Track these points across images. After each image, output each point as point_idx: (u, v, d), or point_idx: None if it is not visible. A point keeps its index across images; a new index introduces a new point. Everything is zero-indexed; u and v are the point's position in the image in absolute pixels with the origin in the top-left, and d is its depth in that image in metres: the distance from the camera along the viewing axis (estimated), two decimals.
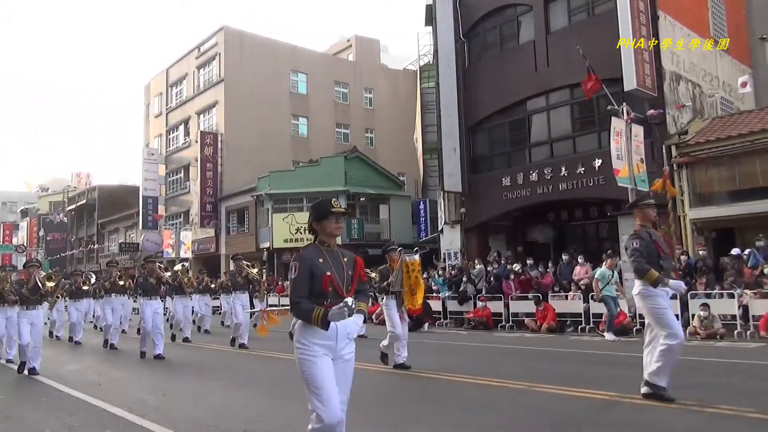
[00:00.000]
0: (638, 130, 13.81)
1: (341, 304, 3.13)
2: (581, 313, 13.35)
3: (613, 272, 12.08)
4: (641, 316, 11.27)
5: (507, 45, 19.69)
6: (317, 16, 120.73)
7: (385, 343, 8.06)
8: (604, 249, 16.44)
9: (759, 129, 13.98)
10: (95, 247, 45.15)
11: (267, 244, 27.29)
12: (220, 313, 18.50)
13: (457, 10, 20.20)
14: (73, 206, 48.85)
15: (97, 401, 6.17)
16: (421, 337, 12.34)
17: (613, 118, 13.50)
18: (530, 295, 14.26)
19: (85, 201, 46.89)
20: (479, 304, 15.27)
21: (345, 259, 3.40)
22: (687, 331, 11.21)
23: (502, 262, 16.58)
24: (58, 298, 13.61)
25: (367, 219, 28.03)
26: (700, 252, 13.18)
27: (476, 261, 17.16)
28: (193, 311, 15.47)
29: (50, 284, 8.96)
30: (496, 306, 15.02)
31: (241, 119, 31.53)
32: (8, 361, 9.74)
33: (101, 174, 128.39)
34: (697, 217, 14.61)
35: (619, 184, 13.45)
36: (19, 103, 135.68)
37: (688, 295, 11.58)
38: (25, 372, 8.42)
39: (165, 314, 13.17)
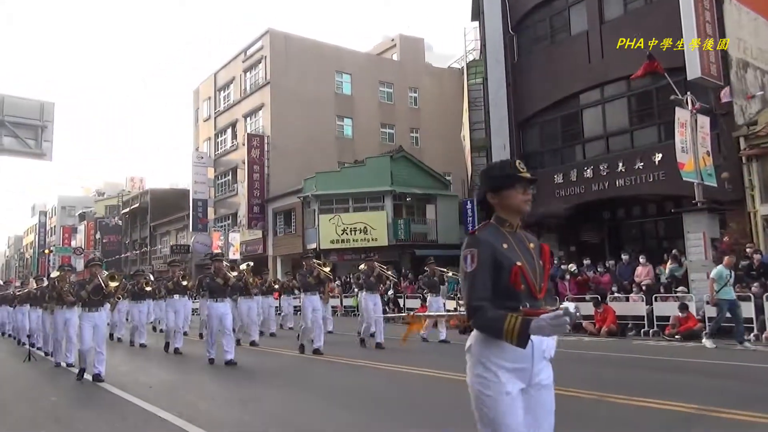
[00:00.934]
0: (704, 121, 12.98)
1: (558, 310, 2.11)
2: (644, 316, 12.62)
3: (731, 272, 10.20)
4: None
5: (558, 37, 19.05)
6: (361, 17, 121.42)
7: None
8: (664, 248, 15.63)
9: None
10: (148, 249, 46.44)
11: (314, 245, 27.25)
12: (279, 314, 17.30)
13: (505, 3, 19.76)
14: (127, 210, 50.43)
15: (147, 405, 6.04)
16: None
17: (677, 109, 12.69)
18: (588, 297, 13.59)
19: (138, 204, 48.40)
20: None
21: (531, 245, 2.44)
22: (764, 336, 10.48)
23: (555, 262, 15.92)
24: (119, 299, 13.50)
25: (413, 219, 27.66)
26: None
27: None
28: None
29: (113, 284, 8.49)
30: None
31: (286, 121, 31.71)
32: (68, 365, 9.40)
33: (154, 178, 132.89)
34: None
35: (684, 179, 12.63)
36: (73, 107, 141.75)
37: (764, 297, 10.78)
38: (89, 378, 7.82)
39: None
